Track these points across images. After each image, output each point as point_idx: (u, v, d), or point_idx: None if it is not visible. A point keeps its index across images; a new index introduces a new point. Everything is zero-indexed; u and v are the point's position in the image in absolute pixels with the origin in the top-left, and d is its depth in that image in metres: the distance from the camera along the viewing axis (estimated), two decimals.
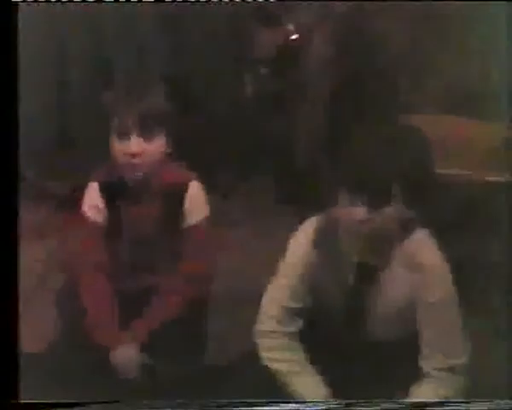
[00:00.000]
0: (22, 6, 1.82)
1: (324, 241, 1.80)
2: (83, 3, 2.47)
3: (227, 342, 2.06)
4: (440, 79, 2.77)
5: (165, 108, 1.94)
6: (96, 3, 2.44)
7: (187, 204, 1.99)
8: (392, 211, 1.66)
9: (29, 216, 2.02)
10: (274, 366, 1.80)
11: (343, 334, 1.80)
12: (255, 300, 1.87)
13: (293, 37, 2.77)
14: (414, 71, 2.83)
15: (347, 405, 1.74)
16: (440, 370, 1.72)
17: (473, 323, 1.80)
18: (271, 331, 1.82)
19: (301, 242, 1.83)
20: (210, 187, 2.08)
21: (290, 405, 1.76)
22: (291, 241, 1.85)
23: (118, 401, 1.80)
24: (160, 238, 2.02)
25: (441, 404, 1.70)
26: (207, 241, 2.04)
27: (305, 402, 1.75)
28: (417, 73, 2.82)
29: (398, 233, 1.73)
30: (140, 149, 1.91)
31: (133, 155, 1.91)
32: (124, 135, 1.90)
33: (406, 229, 1.73)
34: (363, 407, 1.73)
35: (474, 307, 1.98)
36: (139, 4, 2.64)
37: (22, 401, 1.70)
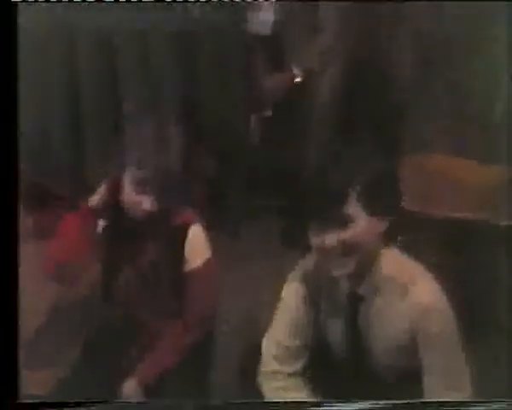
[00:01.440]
0: (22, 6, 1.82)
1: (315, 278, 1.79)
2: (83, 3, 2.48)
3: (231, 383, 2.02)
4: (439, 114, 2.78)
5: (183, 166, 1.90)
6: (96, 3, 2.45)
7: (187, 248, 1.98)
8: (355, 228, 1.63)
9: (29, 216, 2.02)
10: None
11: (347, 367, 1.79)
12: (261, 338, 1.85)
13: (298, 79, 2.80)
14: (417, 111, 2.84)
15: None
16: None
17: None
18: (274, 372, 1.81)
19: (295, 280, 1.82)
20: (216, 227, 2.07)
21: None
22: (287, 280, 1.84)
23: (118, 402, 1.80)
24: (162, 281, 2.01)
25: (460, 403, 1.67)
26: (209, 284, 2.02)
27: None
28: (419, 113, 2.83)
29: (371, 251, 1.70)
30: (153, 209, 1.89)
31: (145, 211, 1.90)
32: (139, 188, 1.87)
33: (378, 243, 1.70)
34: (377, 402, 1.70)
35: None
36: (140, 4, 2.66)
37: (22, 401, 1.70)
